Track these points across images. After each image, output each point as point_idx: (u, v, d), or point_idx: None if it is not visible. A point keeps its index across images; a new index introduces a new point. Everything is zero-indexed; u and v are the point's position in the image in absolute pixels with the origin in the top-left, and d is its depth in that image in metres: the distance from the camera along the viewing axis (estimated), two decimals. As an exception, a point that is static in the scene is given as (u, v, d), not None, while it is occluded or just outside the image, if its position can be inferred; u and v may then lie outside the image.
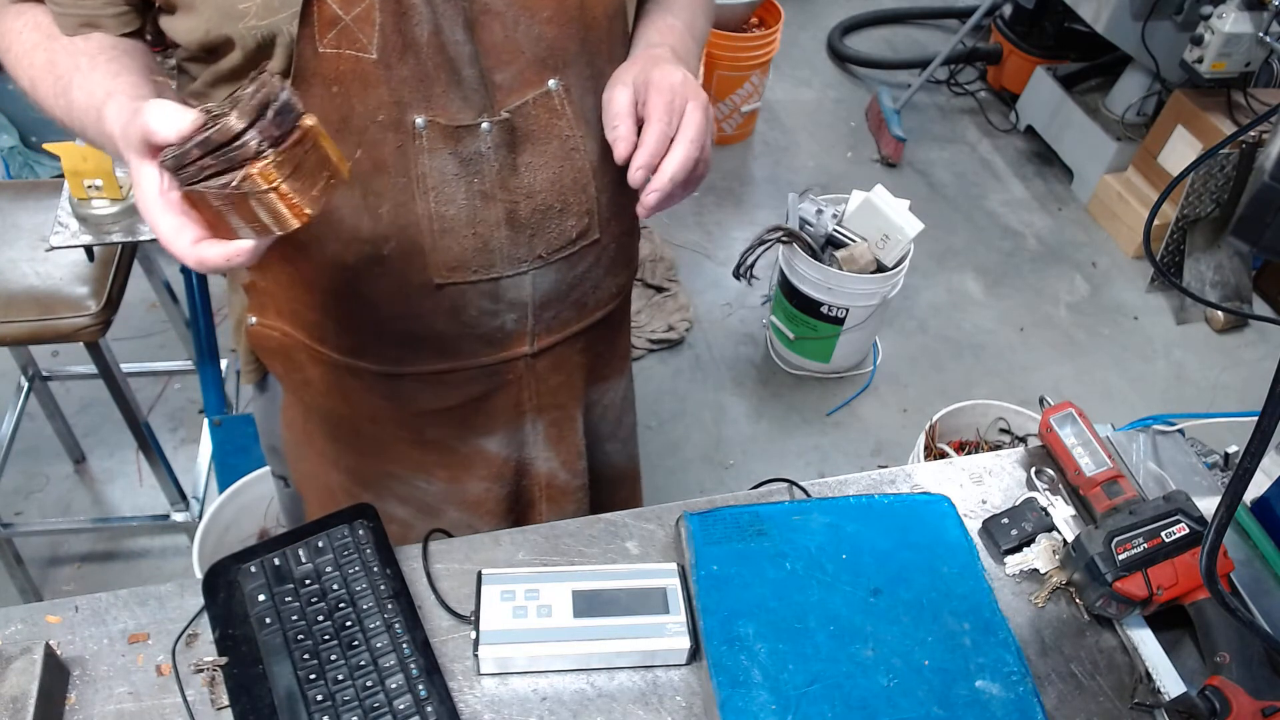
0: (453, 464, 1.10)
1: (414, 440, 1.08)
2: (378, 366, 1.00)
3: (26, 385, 2.09)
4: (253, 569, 0.89)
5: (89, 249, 1.58)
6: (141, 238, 1.54)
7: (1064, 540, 1.00)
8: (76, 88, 0.79)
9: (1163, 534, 0.93)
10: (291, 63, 0.77)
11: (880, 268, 2.41)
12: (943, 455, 1.90)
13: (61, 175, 1.51)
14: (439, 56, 0.79)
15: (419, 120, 0.82)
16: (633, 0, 0.94)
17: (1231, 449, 1.15)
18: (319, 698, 0.81)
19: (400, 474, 1.11)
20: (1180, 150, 2.95)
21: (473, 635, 0.86)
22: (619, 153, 0.83)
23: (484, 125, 0.84)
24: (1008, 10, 3.56)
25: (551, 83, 0.85)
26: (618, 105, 0.84)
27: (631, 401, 1.29)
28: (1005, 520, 1.02)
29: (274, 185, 0.64)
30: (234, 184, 0.64)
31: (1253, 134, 2.74)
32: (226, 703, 0.82)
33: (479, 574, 0.89)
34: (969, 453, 1.97)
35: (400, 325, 0.96)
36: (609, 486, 1.26)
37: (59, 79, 0.81)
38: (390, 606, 0.87)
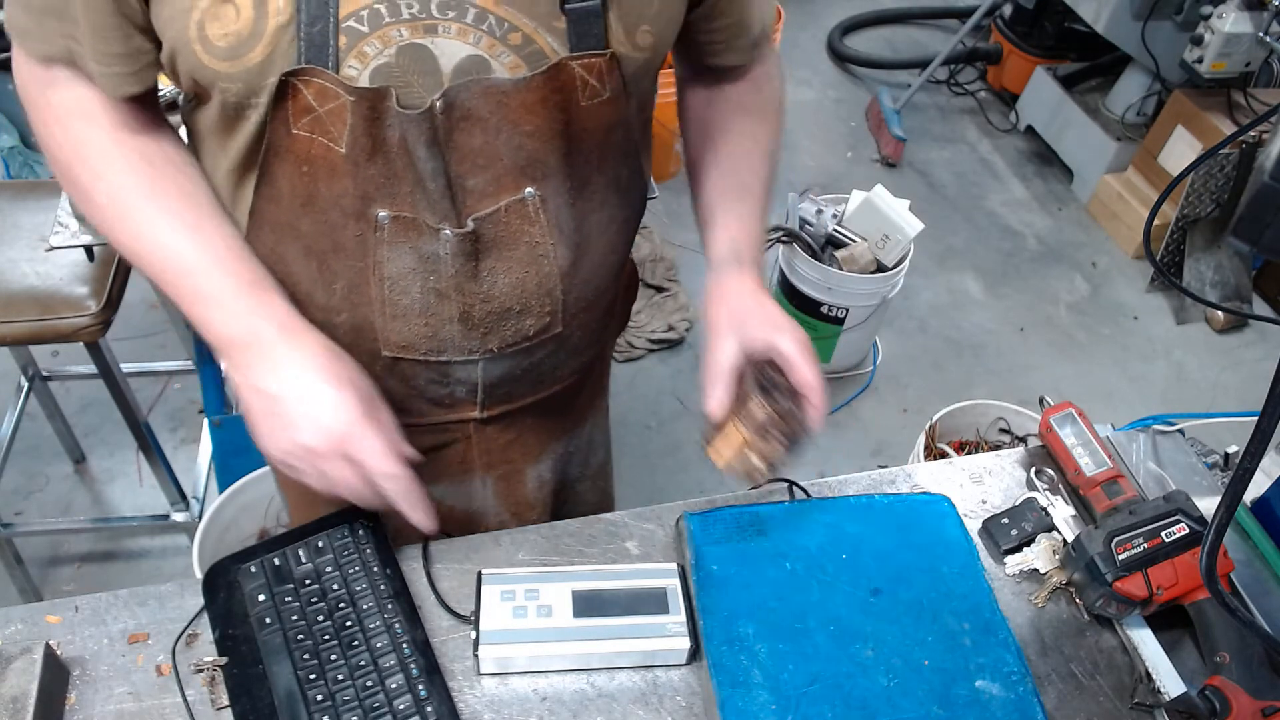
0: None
1: None
2: None
3: (26, 385, 2.09)
4: (253, 569, 0.89)
5: (89, 249, 1.58)
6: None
7: (1064, 540, 1.00)
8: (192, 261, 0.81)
9: (1163, 534, 0.93)
10: (264, 136, 0.77)
11: (880, 268, 2.41)
12: (943, 455, 1.90)
13: (61, 175, 1.51)
14: (406, 159, 0.78)
15: (382, 214, 0.81)
16: (637, 112, 0.90)
17: (1231, 449, 1.15)
18: (319, 698, 0.81)
19: None
20: (1180, 150, 2.95)
21: (473, 635, 0.86)
22: (711, 411, 0.89)
23: (445, 233, 0.82)
24: (1008, 10, 3.56)
25: (528, 191, 0.82)
26: (724, 364, 0.89)
27: (603, 441, 1.26)
28: (1005, 520, 1.02)
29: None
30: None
31: (1253, 134, 2.74)
32: (226, 703, 0.82)
33: (479, 574, 0.89)
34: (969, 453, 1.97)
35: None
36: None
37: (139, 201, 0.82)
38: (390, 606, 0.87)
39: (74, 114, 0.82)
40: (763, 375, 0.89)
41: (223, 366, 0.82)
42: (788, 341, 0.89)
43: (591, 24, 0.77)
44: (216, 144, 0.83)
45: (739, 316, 0.91)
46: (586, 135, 0.83)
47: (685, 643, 0.87)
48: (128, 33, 0.75)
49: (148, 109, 0.85)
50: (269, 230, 0.85)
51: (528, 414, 1.04)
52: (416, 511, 0.82)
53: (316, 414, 0.78)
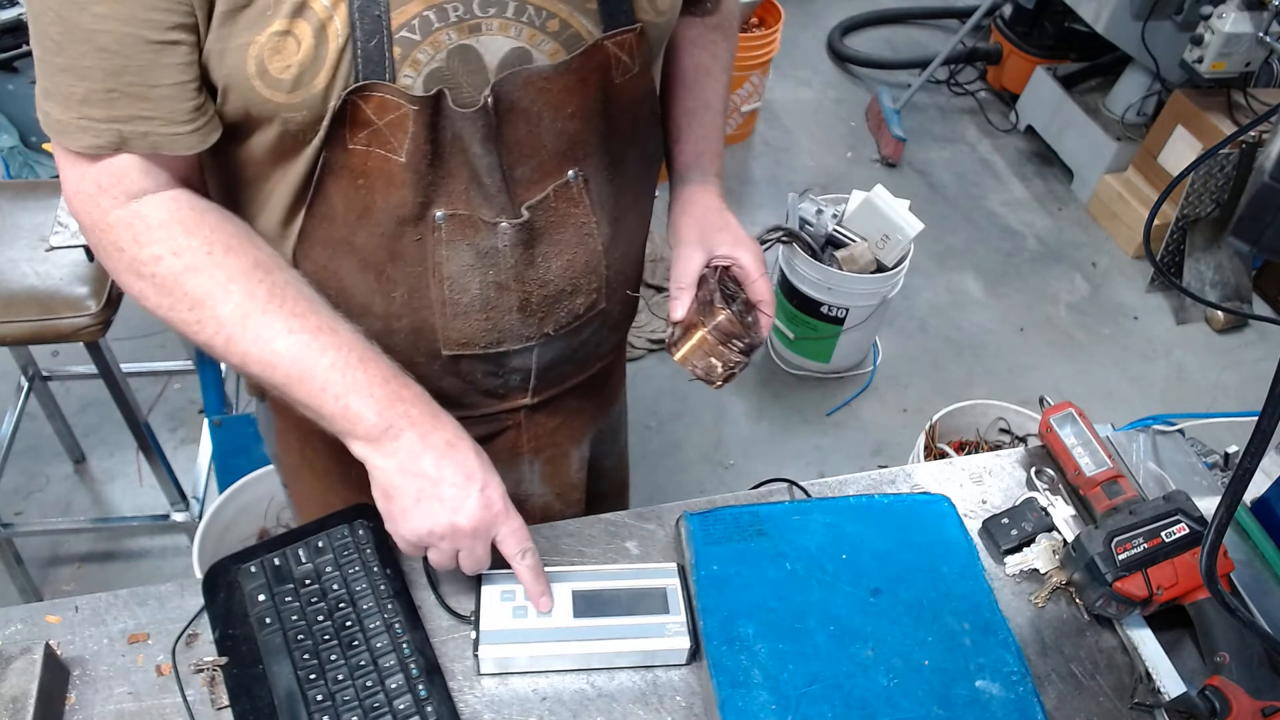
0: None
1: None
2: None
3: (26, 385, 2.09)
4: (253, 569, 0.89)
5: (89, 249, 1.58)
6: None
7: (1064, 540, 1.00)
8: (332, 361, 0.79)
9: (1163, 534, 0.93)
10: (320, 154, 0.77)
11: (880, 268, 2.41)
12: (943, 455, 1.90)
13: (61, 175, 1.51)
14: (461, 158, 0.79)
15: (439, 214, 0.82)
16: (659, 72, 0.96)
17: (1231, 449, 1.15)
18: (319, 698, 0.81)
19: None
20: (1180, 150, 2.95)
21: (473, 635, 0.86)
22: (674, 315, 0.98)
23: (503, 225, 0.83)
24: (1008, 10, 3.56)
25: (570, 173, 0.85)
26: (693, 274, 0.97)
27: (625, 420, 1.30)
28: (1005, 520, 1.02)
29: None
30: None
31: (1253, 134, 2.75)
32: (226, 703, 0.82)
33: (479, 574, 0.89)
34: (969, 453, 1.97)
35: None
36: (606, 501, 1.27)
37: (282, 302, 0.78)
38: (390, 606, 0.87)
39: (172, 227, 0.77)
40: (724, 286, 0.98)
41: (357, 454, 0.81)
42: (748, 257, 0.98)
43: (620, 0, 0.79)
44: (272, 171, 0.82)
45: (706, 230, 0.98)
46: (621, 112, 0.86)
47: (685, 643, 0.87)
48: (199, 84, 0.74)
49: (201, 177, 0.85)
50: (320, 248, 0.85)
51: (572, 396, 1.07)
52: (540, 585, 0.87)
53: (473, 496, 0.81)
